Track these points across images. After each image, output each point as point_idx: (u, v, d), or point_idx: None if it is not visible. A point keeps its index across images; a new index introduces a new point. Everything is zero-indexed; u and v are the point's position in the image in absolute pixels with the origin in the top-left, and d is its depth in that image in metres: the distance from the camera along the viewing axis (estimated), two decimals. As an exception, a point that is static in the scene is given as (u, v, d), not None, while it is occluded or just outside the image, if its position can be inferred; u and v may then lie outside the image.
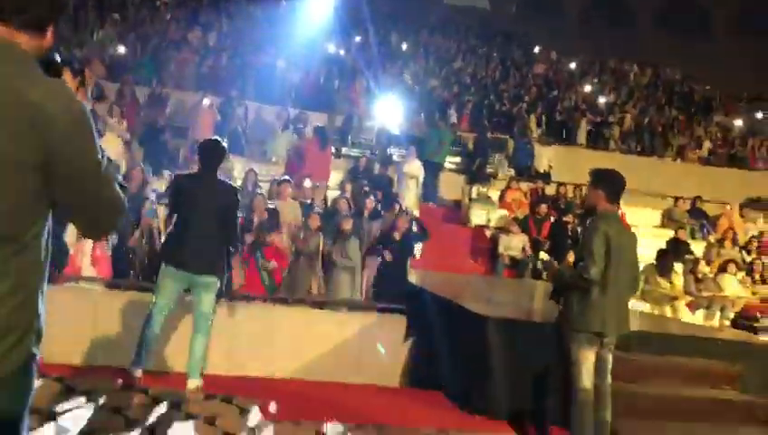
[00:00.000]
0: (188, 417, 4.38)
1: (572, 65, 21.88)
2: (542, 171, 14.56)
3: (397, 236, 7.89)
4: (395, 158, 12.80)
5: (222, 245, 4.96)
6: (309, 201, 9.24)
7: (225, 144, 5.24)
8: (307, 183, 9.62)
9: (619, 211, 4.64)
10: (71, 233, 6.60)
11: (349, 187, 10.36)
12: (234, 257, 5.27)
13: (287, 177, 9.60)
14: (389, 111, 13.61)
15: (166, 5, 17.13)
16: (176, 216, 5.03)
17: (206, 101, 11.99)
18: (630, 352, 5.18)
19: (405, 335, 6.12)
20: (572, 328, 4.17)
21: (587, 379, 4.08)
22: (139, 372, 4.92)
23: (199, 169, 5.08)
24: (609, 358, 4.21)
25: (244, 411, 4.57)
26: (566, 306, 4.27)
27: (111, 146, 9.36)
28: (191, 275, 4.87)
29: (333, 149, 12.05)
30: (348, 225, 7.78)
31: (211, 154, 5.01)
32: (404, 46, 19.12)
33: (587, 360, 4.10)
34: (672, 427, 4.79)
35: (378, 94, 14.44)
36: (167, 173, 9.59)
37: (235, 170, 11.02)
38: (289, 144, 11.76)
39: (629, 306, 4.72)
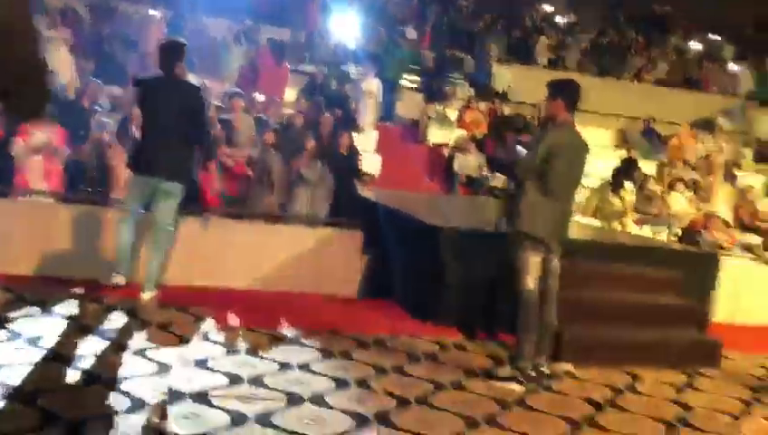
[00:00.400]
0: (143, 324, 4.44)
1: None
2: (500, 91, 14.53)
3: (343, 151, 7.84)
4: (352, 75, 12.61)
5: (188, 149, 4.83)
6: (263, 116, 9.10)
7: (183, 42, 5.03)
8: (259, 97, 9.46)
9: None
10: (19, 147, 6.43)
11: (304, 103, 10.23)
12: (209, 163, 5.16)
13: (239, 90, 9.42)
14: (347, 26, 13.31)
15: None
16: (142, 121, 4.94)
17: (155, 14, 11.55)
18: (577, 259, 5.36)
19: (361, 248, 6.20)
20: (518, 232, 4.29)
21: (531, 281, 4.23)
22: (118, 279, 4.89)
23: (161, 71, 4.88)
24: (556, 263, 4.36)
25: (198, 319, 4.64)
26: (513, 211, 4.38)
27: (60, 62, 9.05)
28: (153, 179, 4.74)
29: (289, 65, 11.80)
30: (311, 144, 7.75)
31: (169, 53, 4.83)
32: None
33: (532, 264, 4.24)
34: (614, 330, 5.02)
35: (335, 8, 14.06)
36: (115, 88, 9.35)
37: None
38: (242, 58, 11.48)
39: (572, 216, 4.87)
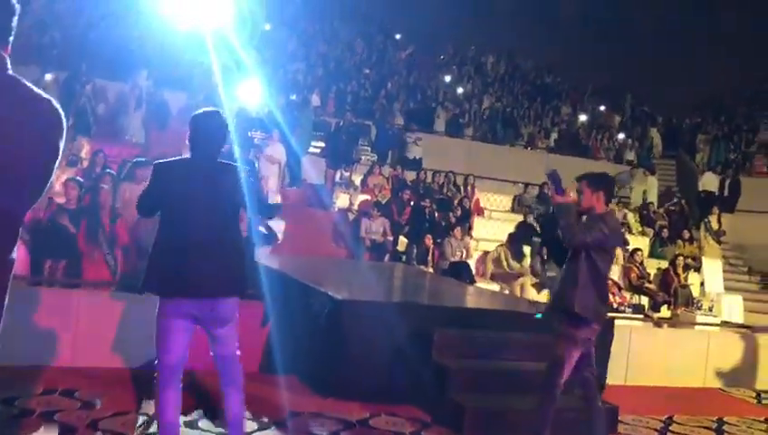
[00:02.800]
0: (24, 413, 4.12)
1: (434, 54, 22.52)
2: (410, 158, 14.79)
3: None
4: (256, 141, 12.60)
5: (237, 248, 3.59)
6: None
7: (225, 118, 3.67)
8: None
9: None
10: None
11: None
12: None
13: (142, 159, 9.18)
14: (251, 92, 13.34)
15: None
16: (159, 222, 3.55)
17: (48, 76, 11.18)
18: (476, 329, 5.47)
19: (262, 321, 6.07)
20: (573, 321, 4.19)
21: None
22: None
23: (193, 153, 3.57)
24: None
25: (87, 405, 4.36)
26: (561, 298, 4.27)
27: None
28: (201, 301, 3.42)
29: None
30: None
31: (211, 132, 3.55)
32: (267, 27, 18.77)
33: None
34: (512, 399, 5.08)
35: (238, 74, 14.09)
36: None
37: (83, 151, 10.42)
38: (144, 123, 11.27)
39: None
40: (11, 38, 1.92)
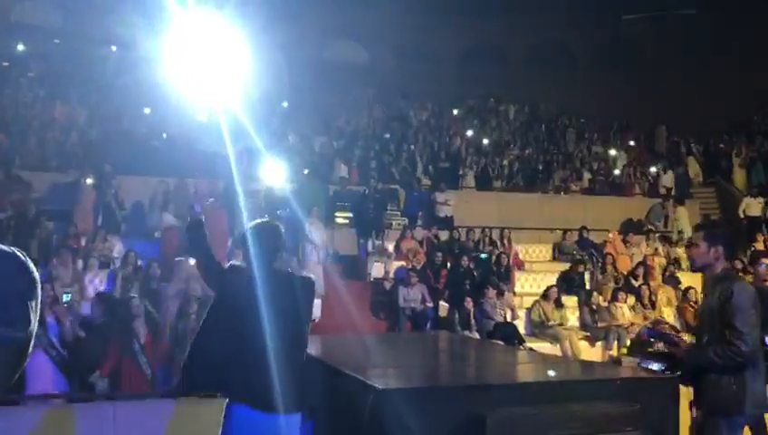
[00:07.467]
0: None
1: (454, 111, 22.48)
2: (441, 217, 14.49)
3: None
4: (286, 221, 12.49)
5: (299, 361, 3.76)
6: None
7: (275, 225, 3.82)
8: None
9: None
10: None
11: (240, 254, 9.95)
12: None
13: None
14: (273, 171, 13.32)
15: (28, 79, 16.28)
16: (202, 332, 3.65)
17: (88, 181, 11.28)
18: (534, 405, 5.05)
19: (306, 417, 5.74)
20: (729, 412, 3.91)
21: None
22: None
23: (249, 265, 3.63)
24: None
25: None
26: (715, 388, 3.99)
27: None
28: (269, 416, 3.46)
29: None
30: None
31: (263, 244, 3.61)
32: (284, 105, 18.99)
33: None
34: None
35: (261, 155, 14.12)
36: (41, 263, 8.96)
37: (115, 250, 10.42)
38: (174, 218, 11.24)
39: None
40: None
